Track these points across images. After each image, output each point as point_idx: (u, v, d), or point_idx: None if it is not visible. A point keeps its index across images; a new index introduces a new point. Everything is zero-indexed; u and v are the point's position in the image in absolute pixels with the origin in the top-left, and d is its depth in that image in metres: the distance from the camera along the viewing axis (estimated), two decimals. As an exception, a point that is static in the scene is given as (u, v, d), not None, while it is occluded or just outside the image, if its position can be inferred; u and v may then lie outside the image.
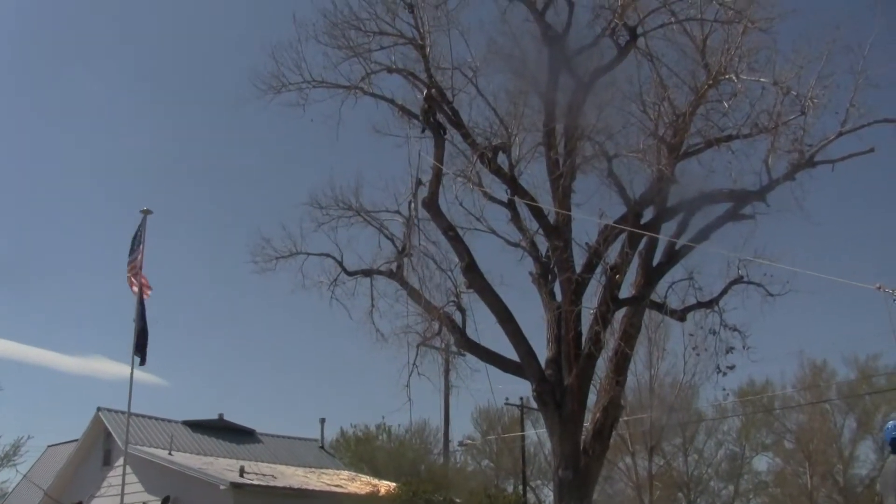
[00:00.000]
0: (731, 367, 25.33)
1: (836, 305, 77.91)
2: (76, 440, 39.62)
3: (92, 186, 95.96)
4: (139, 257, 26.43)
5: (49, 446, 47.86)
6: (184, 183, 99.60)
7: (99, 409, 37.32)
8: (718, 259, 25.14)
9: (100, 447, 37.38)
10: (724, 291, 25.26)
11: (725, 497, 60.06)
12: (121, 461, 30.01)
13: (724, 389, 30.79)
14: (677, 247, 24.71)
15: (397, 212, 25.93)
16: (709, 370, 27.00)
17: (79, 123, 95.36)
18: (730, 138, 23.07)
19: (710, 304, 25.30)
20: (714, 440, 59.59)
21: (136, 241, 26.76)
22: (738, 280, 25.12)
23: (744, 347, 25.01)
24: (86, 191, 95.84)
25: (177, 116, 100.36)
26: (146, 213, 26.91)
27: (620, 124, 23.58)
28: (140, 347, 26.01)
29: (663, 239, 24.68)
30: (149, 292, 26.46)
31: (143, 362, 26.28)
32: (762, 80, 22.09)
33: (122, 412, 32.91)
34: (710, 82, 22.55)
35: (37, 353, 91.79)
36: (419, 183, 24.81)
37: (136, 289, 26.22)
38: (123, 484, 26.47)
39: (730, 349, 25.05)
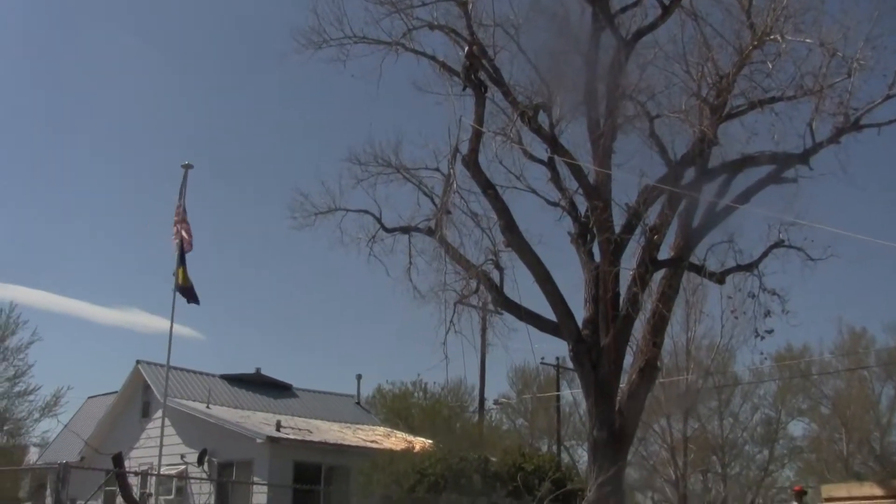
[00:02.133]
0: (770, 332, 25.18)
1: (877, 272, 77.45)
2: (115, 392, 40.13)
3: (132, 141, 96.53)
4: (180, 210, 26.53)
5: (89, 397, 48.51)
6: (225, 138, 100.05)
7: (138, 361, 37.75)
8: (759, 222, 24.91)
9: (139, 399, 37.84)
10: (764, 255, 25.05)
11: (760, 461, 59.95)
12: (159, 413, 30.38)
13: (761, 353, 30.58)
14: (718, 209, 24.50)
15: (436, 169, 25.86)
16: (746, 334, 26.85)
17: (121, 79, 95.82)
18: (773, 100, 22.76)
19: (749, 267, 25.11)
20: (750, 404, 59.46)
21: (181, 196, 26.88)
22: (779, 244, 24.90)
23: (783, 312, 24.83)
24: (126, 145, 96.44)
25: (218, 71, 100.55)
26: (187, 167, 27.01)
27: (663, 84, 23.32)
28: (188, 291, 26.20)
29: (704, 201, 24.49)
30: (188, 247, 26.56)
31: (196, 301, 26.48)
32: (808, 40, 21.72)
33: (161, 365, 33.28)
34: (755, 43, 22.22)
35: (75, 304, 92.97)
36: (457, 148, 24.70)
37: (176, 240, 26.35)
38: (162, 436, 26.79)
39: (768, 313, 24.90)
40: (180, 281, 26.05)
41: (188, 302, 26.43)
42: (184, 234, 26.41)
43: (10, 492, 43.93)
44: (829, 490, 28.97)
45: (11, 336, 51.68)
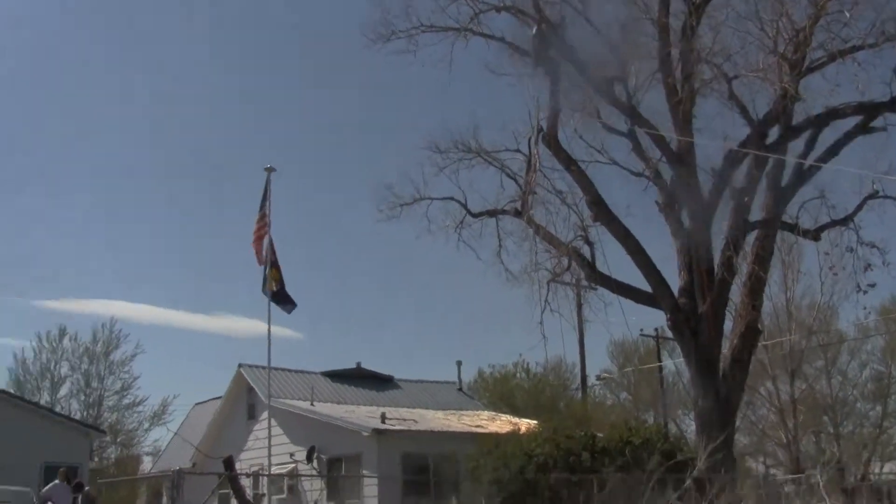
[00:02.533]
0: (872, 285, 24.78)
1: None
2: (220, 397, 40.86)
3: (213, 145, 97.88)
4: (266, 215, 26.74)
5: (196, 404, 49.52)
6: (305, 139, 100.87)
7: (240, 365, 38.36)
8: (851, 175, 24.49)
9: (243, 402, 38.48)
10: (858, 207, 24.64)
11: (873, 418, 58.61)
12: (265, 414, 30.83)
13: (864, 308, 30.07)
14: (806, 166, 24.11)
15: (517, 150, 25.86)
16: (848, 289, 26.45)
17: (199, 81, 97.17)
18: (854, 49, 22.23)
19: (844, 221, 24.72)
20: (858, 361, 58.03)
21: (264, 200, 27.06)
22: (874, 195, 24.47)
23: (884, 264, 24.45)
24: (209, 150, 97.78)
25: (292, 73, 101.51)
26: (269, 170, 27.24)
27: (738, 44, 22.97)
28: (283, 297, 26.43)
29: (791, 158, 24.11)
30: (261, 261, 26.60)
31: (292, 304, 26.65)
32: (887, -17, 21.26)
33: (263, 367, 33.78)
34: (830, -8, 21.78)
35: (174, 315, 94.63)
36: (539, 126, 24.62)
37: (261, 253, 26.49)
38: (270, 436, 27.20)
39: (868, 266, 24.48)
40: (272, 286, 26.23)
41: (283, 307, 26.62)
42: (264, 243, 26.49)
43: (128, 501, 45.00)
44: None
45: (115, 350, 53.18)
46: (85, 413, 51.06)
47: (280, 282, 26.38)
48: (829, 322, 53.18)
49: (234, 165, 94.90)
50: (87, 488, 25.46)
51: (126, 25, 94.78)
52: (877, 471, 56.57)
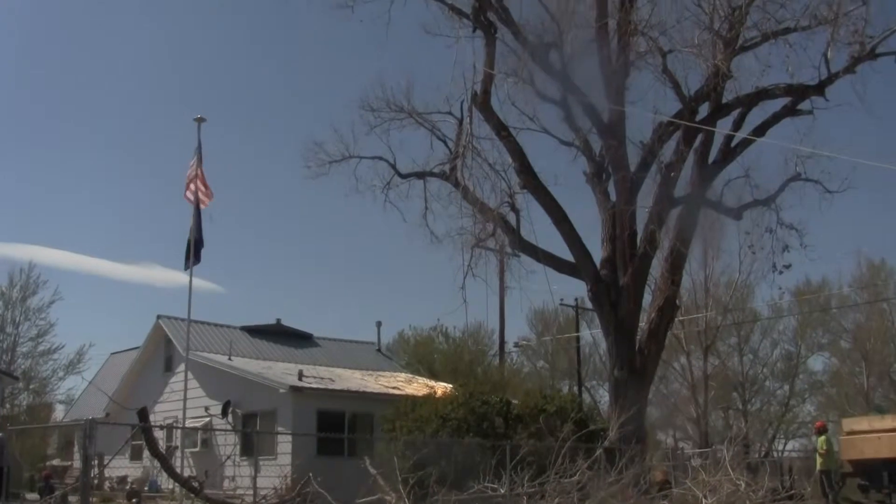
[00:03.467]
0: (788, 266, 25.17)
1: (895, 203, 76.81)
2: (138, 347, 40.36)
3: (142, 95, 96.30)
4: (196, 164, 26.33)
5: (112, 354, 48.86)
6: (235, 89, 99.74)
7: (159, 316, 37.90)
8: (775, 156, 24.89)
9: (161, 354, 38.04)
10: (781, 189, 24.96)
11: (781, 397, 59.96)
12: (182, 367, 30.53)
13: (780, 288, 30.47)
14: (733, 143, 24.37)
15: (449, 113, 25.75)
16: (765, 269, 26.82)
17: (127, 31, 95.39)
18: (787, 31, 22.50)
19: (766, 201, 25.03)
20: (769, 340, 59.27)
21: (196, 150, 26.64)
22: (796, 177, 24.81)
23: (801, 246, 24.81)
24: (136, 99, 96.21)
25: (224, 22, 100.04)
26: (200, 120, 26.78)
27: (675, 19, 23.08)
28: (195, 252, 26.12)
29: (719, 135, 24.34)
30: (207, 201, 26.36)
31: (197, 261, 26.34)
32: (822, -33, 21.46)
33: (182, 319, 33.40)
34: (768, -28, 21.95)
35: (94, 262, 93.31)
36: (473, 90, 24.51)
37: (191, 197, 26.19)
38: (186, 389, 26.92)
39: (786, 248, 24.85)
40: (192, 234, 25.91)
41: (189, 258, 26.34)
42: (201, 187, 26.19)
43: (39, 449, 44.41)
44: (850, 424, 29.08)
45: (32, 296, 52.15)
46: (-2, 359, 50.11)
47: (199, 240, 26.09)
48: (745, 301, 54.18)
49: (162, 115, 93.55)
50: (1, 434, 24.92)
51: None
52: (780, 448, 57.92)
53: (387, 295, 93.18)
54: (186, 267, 26.40)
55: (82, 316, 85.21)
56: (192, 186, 26.30)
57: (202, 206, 26.33)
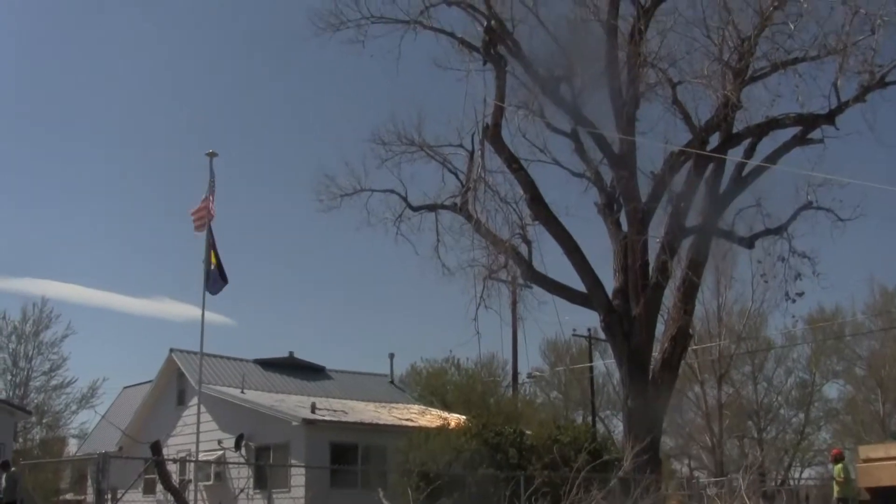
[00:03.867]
0: (801, 294, 25.14)
1: (907, 230, 76.52)
2: (150, 381, 40.39)
3: (155, 129, 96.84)
4: (209, 199, 26.46)
5: (125, 387, 48.89)
6: (248, 124, 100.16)
7: (171, 350, 37.93)
8: (787, 185, 24.88)
9: (174, 387, 38.04)
10: (792, 217, 24.97)
11: (796, 425, 59.61)
12: (195, 400, 30.55)
13: (793, 317, 30.39)
14: (744, 173, 24.40)
15: (460, 146, 25.87)
16: (777, 297, 26.80)
17: (141, 66, 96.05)
18: (797, 61, 22.59)
19: (778, 230, 25.04)
20: (783, 368, 59.02)
21: (210, 185, 26.79)
22: (808, 205, 24.82)
23: (813, 274, 24.79)
24: (149, 134, 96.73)
25: (237, 59, 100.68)
26: (212, 155, 26.97)
27: (684, 50, 23.23)
28: (221, 275, 26.19)
29: (730, 165, 24.39)
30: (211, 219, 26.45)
31: (224, 282, 26.41)
32: (830, -2, 21.56)
33: (194, 352, 33.44)
34: (776, 4, 22.05)
35: (106, 296, 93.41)
36: (484, 120, 24.63)
37: (200, 225, 26.30)
38: (199, 423, 26.96)
39: (798, 276, 24.83)
40: (213, 265, 26.05)
41: (216, 285, 26.44)
42: (206, 213, 26.32)
43: (52, 483, 44.29)
44: (866, 451, 28.87)
45: (45, 330, 52.18)
46: (11, 393, 50.06)
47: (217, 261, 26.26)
48: (758, 329, 54.04)
49: (174, 149, 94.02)
50: (13, 468, 24.96)
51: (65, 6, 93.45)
52: (796, 476, 57.59)
53: (399, 327, 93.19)
54: (214, 291, 26.44)
55: (95, 350, 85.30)
56: (197, 216, 26.46)
57: (203, 230, 26.46)
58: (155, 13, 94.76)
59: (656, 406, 24.38)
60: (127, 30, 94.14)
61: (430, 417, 34.36)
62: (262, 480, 27.59)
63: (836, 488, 26.60)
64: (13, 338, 51.59)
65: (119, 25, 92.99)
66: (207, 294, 26.54)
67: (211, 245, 26.29)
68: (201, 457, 29.29)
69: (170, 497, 17.83)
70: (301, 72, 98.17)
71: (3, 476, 24.52)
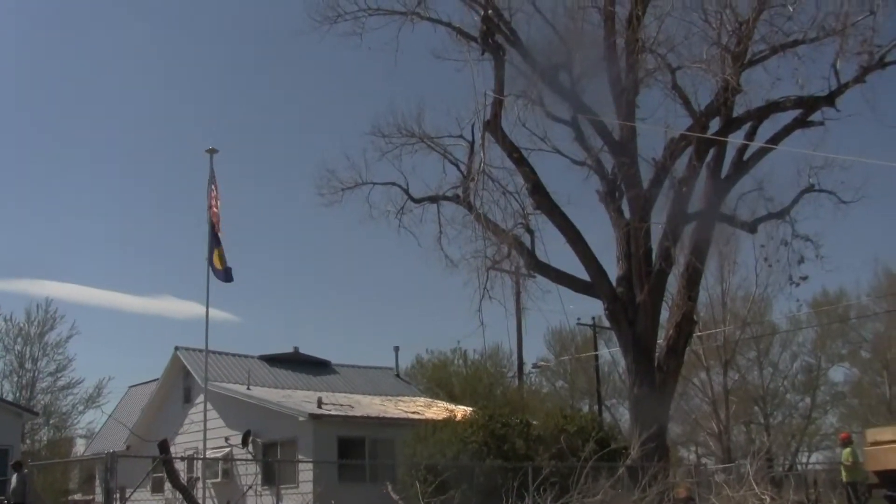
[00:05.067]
0: (804, 278, 25.11)
1: (911, 210, 76.46)
2: (156, 380, 40.39)
3: (155, 126, 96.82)
4: (212, 195, 26.35)
5: (131, 387, 48.88)
6: (248, 120, 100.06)
7: (177, 348, 37.90)
8: (788, 168, 24.86)
9: (180, 385, 38.04)
10: (795, 201, 24.92)
11: (802, 409, 59.53)
12: (201, 398, 30.52)
13: (797, 300, 30.28)
14: (745, 157, 24.33)
15: (460, 136, 25.82)
16: (781, 282, 26.76)
17: (138, 65, 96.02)
18: (796, 43, 22.50)
19: (781, 214, 24.99)
20: (789, 352, 58.91)
21: (211, 181, 26.67)
22: (810, 188, 24.77)
23: (817, 257, 24.75)
24: (150, 132, 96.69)
25: (234, 54, 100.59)
26: (211, 152, 26.86)
27: (682, 35, 23.09)
28: (225, 272, 26.08)
29: (731, 150, 24.33)
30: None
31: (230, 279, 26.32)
32: (829, -22, 21.47)
33: (200, 350, 33.38)
34: (774, -15, 21.97)
35: (110, 296, 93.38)
36: (484, 110, 24.57)
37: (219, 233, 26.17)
38: (205, 420, 26.93)
39: (802, 259, 24.78)
40: (217, 264, 25.96)
41: (224, 281, 26.35)
42: (214, 212, 26.25)
43: (60, 484, 44.39)
44: (874, 434, 28.84)
45: (50, 331, 52.20)
46: (18, 394, 50.12)
47: (222, 259, 26.15)
48: (763, 314, 53.96)
49: (175, 145, 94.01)
50: (25, 470, 24.97)
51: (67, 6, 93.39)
52: (804, 460, 57.55)
53: (404, 320, 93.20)
54: (227, 279, 26.26)
55: (100, 350, 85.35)
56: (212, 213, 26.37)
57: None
58: (153, 9, 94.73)
59: (662, 393, 24.35)
60: (126, 27, 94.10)
61: (437, 410, 34.33)
62: (270, 476, 27.56)
63: (844, 472, 26.56)
64: (19, 339, 51.66)
65: (118, 23, 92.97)
66: (211, 291, 26.44)
67: (217, 243, 26.12)
68: (209, 454, 29.31)
69: (178, 495, 17.83)
70: (299, 66, 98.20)
71: (15, 476, 24.54)
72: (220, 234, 26.34)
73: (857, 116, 23.21)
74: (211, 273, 26.21)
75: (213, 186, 26.52)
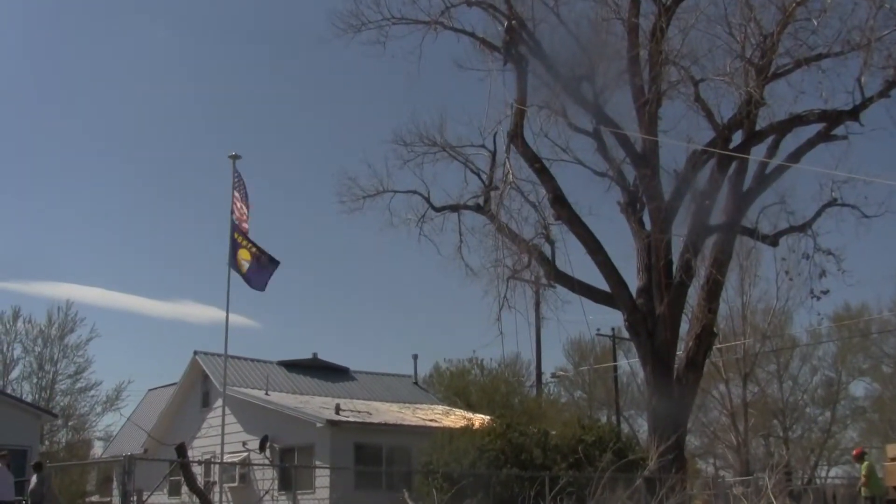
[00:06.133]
0: (826, 292, 24.98)
1: (934, 226, 76.03)
2: (175, 383, 40.53)
3: (178, 132, 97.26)
4: (239, 204, 26.27)
5: (150, 390, 49.07)
6: (271, 127, 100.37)
7: (196, 352, 38.02)
8: (811, 182, 24.83)
9: (198, 389, 38.17)
10: (817, 214, 24.83)
11: (822, 423, 59.24)
12: (219, 402, 30.62)
13: (818, 314, 30.15)
14: (768, 170, 24.28)
15: (482, 146, 25.88)
16: (802, 295, 26.61)
17: (160, 71, 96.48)
18: (820, 57, 22.44)
19: (802, 227, 24.90)
20: (809, 366, 58.68)
21: (238, 188, 26.55)
22: (832, 202, 24.67)
23: (838, 271, 24.63)
24: (172, 137, 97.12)
25: (257, 59, 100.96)
26: (234, 157, 26.90)
27: (706, 48, 23.08)
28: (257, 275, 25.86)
29: (753, 163, 24.27)
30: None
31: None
32: (854, -7, 21.40)
33: (219, 355, 33.49)
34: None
35: (130, 299, 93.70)
36: (506, 120, 24.60)
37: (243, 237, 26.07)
38: (223, 424, 27.01)
39: (823, 273, 24.68)
40: (248, 264, 25.64)
41: (258, 289, 26.13)
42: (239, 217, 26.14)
43: (78, 486, 44.51)
44: (894, 449, 28.67)
45: (70, 334, 52.38)
46: (37, 396, 50.28)
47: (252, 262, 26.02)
48: (783, 327, 53.76)
49: (197, 151, 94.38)
50: (44, 471, 25.07)
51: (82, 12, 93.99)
52: (823, 475, 57.24)
53: (423, 328, 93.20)
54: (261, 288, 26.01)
55: (119, 353, 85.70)
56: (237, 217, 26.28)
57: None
58: (175, 15, 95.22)
59: (681, 405, 24.29)
60: (148, 34, 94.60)
61: (454, 418, 34.33)
62: (287, 482, 27.61)
63: (862, 488, 26.43)
64: (39, 341, 51.88)
65: (140, 29, 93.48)
66: (232, 297, 26.42)
67: (238, 245, 25.94)
68: (226, 458, 29.38)
69: (195, 499, 17.92)
70: (322, 73, 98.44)
71: (35, 477, 24.67)
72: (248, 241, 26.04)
73: (881, 131, 23.14)
74: (231, 278, 26.18)
75: (235, 192, 26.54)
